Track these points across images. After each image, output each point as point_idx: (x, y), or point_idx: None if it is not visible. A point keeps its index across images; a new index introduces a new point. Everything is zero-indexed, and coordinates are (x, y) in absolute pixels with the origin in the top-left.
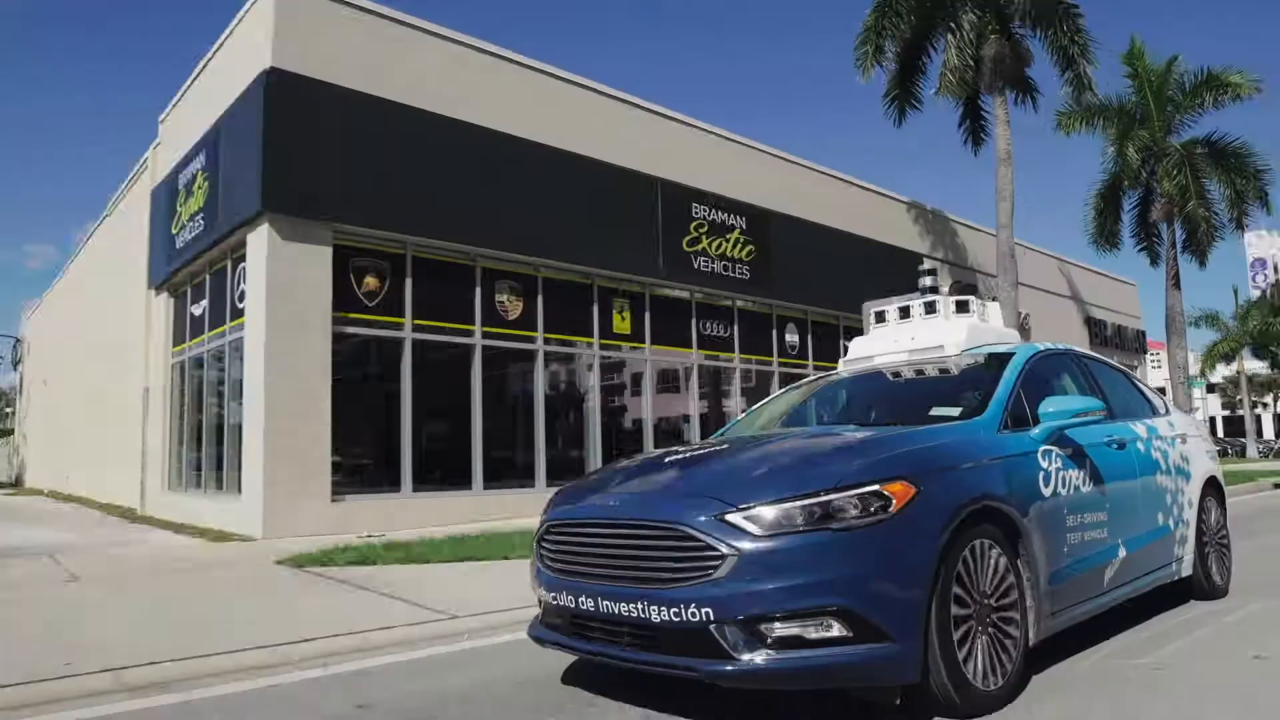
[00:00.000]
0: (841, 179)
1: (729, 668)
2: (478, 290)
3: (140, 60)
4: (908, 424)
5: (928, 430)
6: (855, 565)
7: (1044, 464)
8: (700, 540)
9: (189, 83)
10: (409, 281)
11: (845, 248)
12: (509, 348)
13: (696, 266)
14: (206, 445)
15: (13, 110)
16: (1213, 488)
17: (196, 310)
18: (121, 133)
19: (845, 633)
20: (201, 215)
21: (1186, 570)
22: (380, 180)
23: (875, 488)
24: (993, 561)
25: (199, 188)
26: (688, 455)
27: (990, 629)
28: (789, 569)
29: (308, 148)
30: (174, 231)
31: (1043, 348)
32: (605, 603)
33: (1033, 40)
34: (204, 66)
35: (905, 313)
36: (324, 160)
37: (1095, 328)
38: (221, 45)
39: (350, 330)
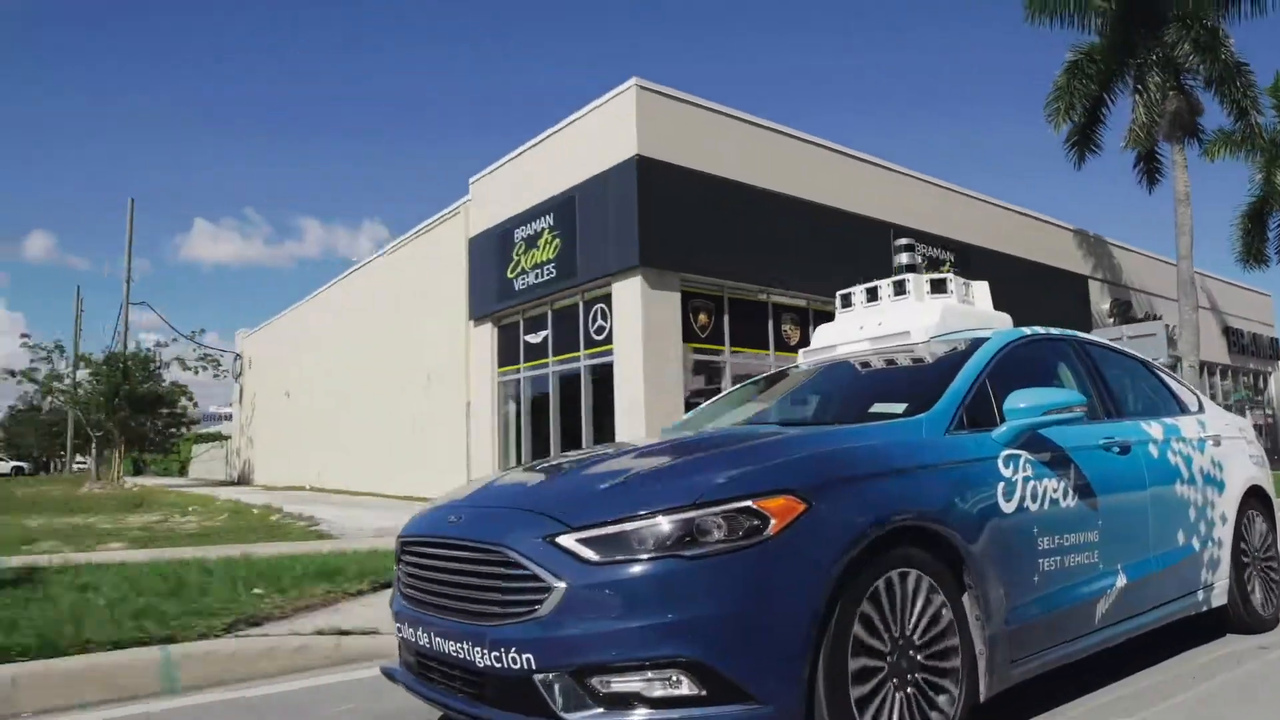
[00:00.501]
0: (1019, 212)
1: None
2: (769, 321)
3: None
4: (844, 424)
5: (845, 430)
6: (712, 604)
7: (1006, 472)
8: (525, 568)
9: (508, 158)
10: (726, 317)
11: (1024, 273)
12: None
13: None
14: (536, 448)
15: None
16: (1258, 500)
17: (534, 339)
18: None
19: (697, 690)
20: (552, 265)
21: (1219, 599)
22: (707, 237)
23: (747, 504)
24: (921, 596)
25: (546, 243)
26: (567, 460)
27: (915, 684)
28: (627, 607)
29: (663, 215)
30: (510, 275)
31: (1029, 332)
32: (438, 639)
33: (1203, 92)
34: (535, 144)
35: (873, 295)
36: (673, 224)
37: (1233, 336)
38: (559, 131)
39: (691, 356)
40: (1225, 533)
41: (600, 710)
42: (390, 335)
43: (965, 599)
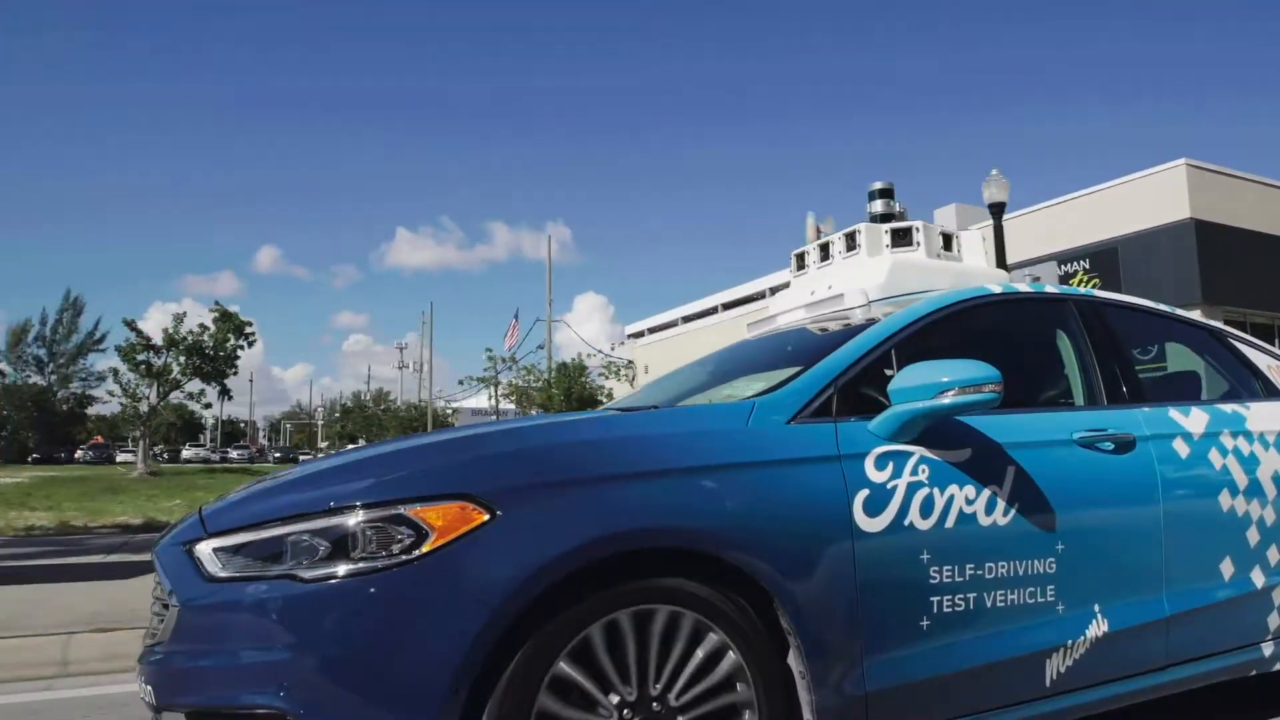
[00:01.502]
0: None
1: None
2: None
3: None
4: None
5: (606, 418)
6: (322, 642)
7: (877, 475)
8: (163, 583)
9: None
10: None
11: None
12: None
13: None
14: None
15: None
16: None
17: None
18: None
19: None
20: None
21: None
22: (1256, 279)
23: (398, 510)
24: (680, 643)
25: (1079, 281)
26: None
27: None
28: (231, 638)
29: (1211, 261)
30: None
31: (996, 290)
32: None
33: None
34: (1066, 200)
35: (825, 253)
36: (1221, 264)
37: None
38: (1097, 192)
39: None
40: None
41: None
42: None
43: (790, 649)
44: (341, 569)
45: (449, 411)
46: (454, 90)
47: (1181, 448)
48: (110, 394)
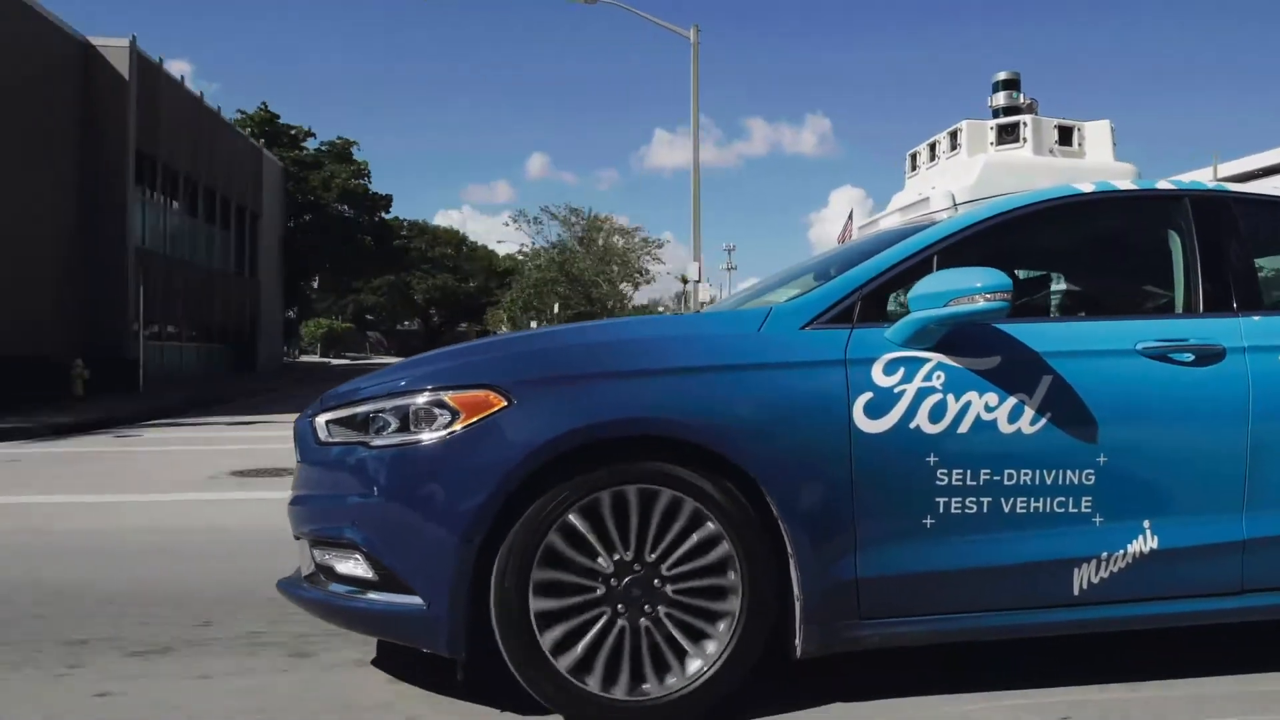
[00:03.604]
0: None
1: (293, 589)
2: None
3: None
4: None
5: (620, 322)
6: (382, 493)
7: (884, 380)
8: (296, 446)
9: None
10: None
11: None
12: None
13: None
14: None
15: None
16: None
17: None
18: None
19: (370, 574)
20: None
21: None
22: None
23: (440, 396)
24: (679, 522)
25: None
26: None
27: (655, 617)
28: (329, 486)
29: None
30: None
31: (1089, 189)
32: None
33: None
34: None
35: (934, 151)
36: None
37: None
38: None
39: None
40: None
41: (321, 576)
42: None
43: (783, 525)
44: (399, 439)
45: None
46: None
47: None
48: None
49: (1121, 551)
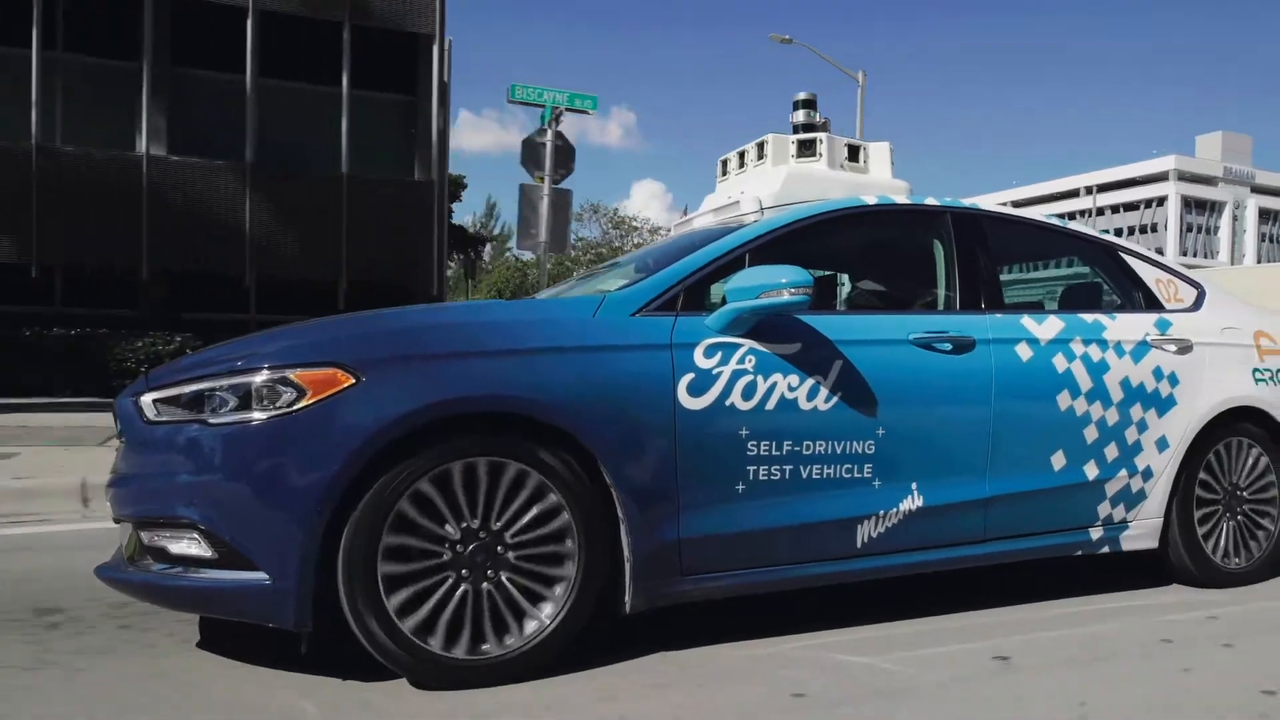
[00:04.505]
0: None
1: (115, 574)
2: None
3: None
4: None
5: (470, 305)
6: (221, 470)
7: (704, 362)
8: (117, 425)
9: None
10: None
11: None
12: None
13: None
14: None
15: None
16: (1252, 424)
17: None
18: None
19: (209, 553)
20: None
21: (1139, 541)
22: None
23: (285, 374)
24: (525, 491)
25: None
26: None
27: (499, 583)
28: (150, 465)
29: None
30: None
31: (871, 202)
32: None
33: None
34: None
35: (742, 161)
36: None
37: None
38: None
39: None
40: (1162, 461)
41: (147, 560)
42: None
43: (615, 492)
44: (240, 417)
45: None
46: None
47: (1024, 351)
48: None
49: (895, 509)
